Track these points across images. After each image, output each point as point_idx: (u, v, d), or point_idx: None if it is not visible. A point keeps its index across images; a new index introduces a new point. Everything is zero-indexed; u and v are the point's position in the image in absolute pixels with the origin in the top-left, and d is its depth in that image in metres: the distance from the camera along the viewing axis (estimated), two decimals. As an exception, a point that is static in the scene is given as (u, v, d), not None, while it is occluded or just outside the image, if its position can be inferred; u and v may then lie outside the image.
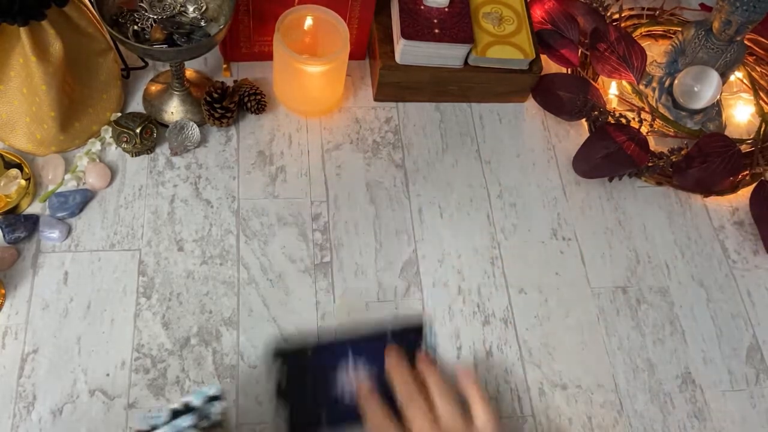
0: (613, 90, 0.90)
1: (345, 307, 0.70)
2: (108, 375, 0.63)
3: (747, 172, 0.85)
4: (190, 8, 0.72)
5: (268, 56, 0.82)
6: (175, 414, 0.52)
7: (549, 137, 0.86)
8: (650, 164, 0.82)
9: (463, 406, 0.51)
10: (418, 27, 0.79)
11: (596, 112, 0.83)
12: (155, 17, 0.71)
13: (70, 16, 0.69)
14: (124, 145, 0.75)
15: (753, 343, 0.75)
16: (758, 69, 0.94)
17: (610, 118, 0.83)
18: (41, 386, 0.62)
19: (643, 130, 0.83)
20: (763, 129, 0.89)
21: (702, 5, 1.00)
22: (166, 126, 0.77)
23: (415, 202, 0.78)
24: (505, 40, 0.82)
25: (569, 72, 0.89)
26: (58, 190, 0.72)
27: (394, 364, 0.53)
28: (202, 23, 0.72)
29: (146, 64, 0.82)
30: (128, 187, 0.74)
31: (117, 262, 0.69)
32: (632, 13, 0.96)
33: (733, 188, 0.85)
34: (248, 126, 0.81)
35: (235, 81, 0.81)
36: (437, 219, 0.78)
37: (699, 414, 0.70)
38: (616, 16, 0.94)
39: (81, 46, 0.72)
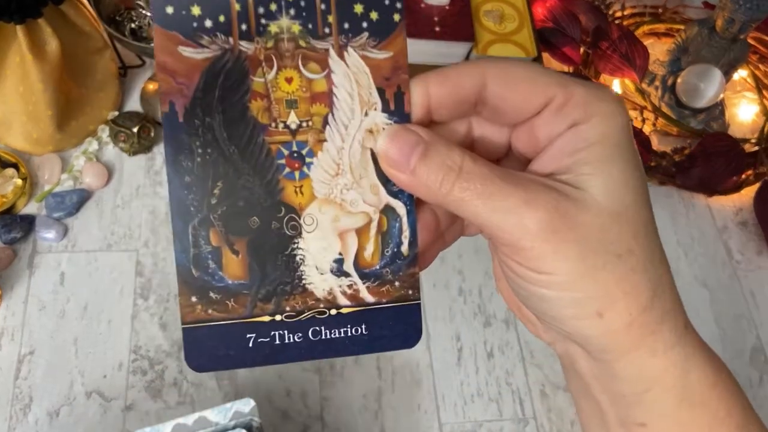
0: (615, 89, 0.89)
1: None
2: (105, 377, 0.63)
3: (751, 171, 0.84)
4: (188, 6, 0.72)
5: (267, 54, 0.81)
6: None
7: (551, 136, 0.85)
8: (653, 164, 0.81)
9: None
10: (419, 25, 0.78)
11: (598, 111, 0.83)
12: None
13: (67, 15, 0.68)
14: (122, 145, 0.74)
15: (756, 345, 0.74)
16: (761, 67, 0.93)
17: (612, 117, 0.82)
18: (38, 388, 0.62)
19: (646, 129, 0.82)
20: (767, 128, 0.88)
21: (705, 3, 0.99)
22: (164, 125, 0.76)
23: (415, 202, 0.78)
24: (506, 38, 0.81)
25: (571, 70, 0.88)
26: (55, 190, 0.71)
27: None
28: (201, 21, 0.72)
29: (144, 62, 0.82)
30: (126, 186, 0.73)
31: (114, 262, 0.69)
32: (635, 11, 0.96)
33: (737, 188, 0.84)
34: (247, 125, 0.80)
35: (233, 80, 0.81)
36: (438, 219, 0.77)
37: (702, 416, 0.69)
38: (619, 14, 0.94)
39: (78, 44, 0.71)
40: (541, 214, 0.21)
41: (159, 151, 0.76)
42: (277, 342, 0.24)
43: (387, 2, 0.24)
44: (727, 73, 0.86)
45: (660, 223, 0.85)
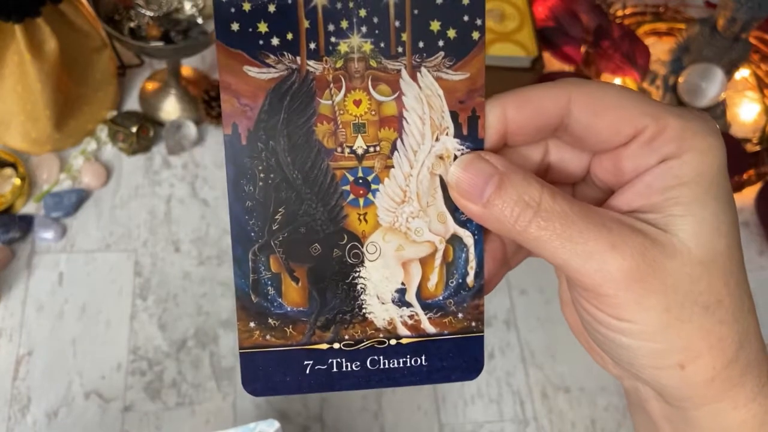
0: (616, 88, 0.89)
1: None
2: (103, 377, 0.63)
3: (752, 171, 0.84)
4: (187, 5, 0.71)
5: (267, 54, 0.81)
6: None
7: (551, 136, 0.85)
8: (654, 163, 0.81)
9: None
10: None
11: (599, 111, 0.82)
12: (151, 14, 0.70)
13: (66, 14, 0.68)
14: (120, 144, 0.74)
15: (758, 345, 0.74)
16: (763, 67, 0.93)
17: (613, 116, 0.82)
18: (36, 389, 0.61)
19: (647, 128, 0.82)
20: (768, 128, 0.88)
21: (706, 2, 0.98)
22: (163, 125, 0.76)
23: (415, 202, 0.77)
24: (507, 37, 0.81)
25: (572, 70, 0.88)
26: (53, 190, 0.71)
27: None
28: (199, 20, 0.71)
29: (142, 62, 0.81)
30: (124, 186, 0.73)
31: (113, 262, 0.68)
32: (636, 10, 0.95)
33: (738, 188, 0.83)
34: (246, 125, 0.80)
35: (233, 79, 0.80)
36: (438, 219, 0.77)
37: (704, 417, 0.69)
38: (620, 13, 0.93)
39: (76, 43, 0.71)
40: (627, 262, 0.20)
41: (158, 150, 0.76)
42: (335, 370, 0.24)
43: (466, 18, 0.22)
44: (729, 73, 0.85)
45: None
